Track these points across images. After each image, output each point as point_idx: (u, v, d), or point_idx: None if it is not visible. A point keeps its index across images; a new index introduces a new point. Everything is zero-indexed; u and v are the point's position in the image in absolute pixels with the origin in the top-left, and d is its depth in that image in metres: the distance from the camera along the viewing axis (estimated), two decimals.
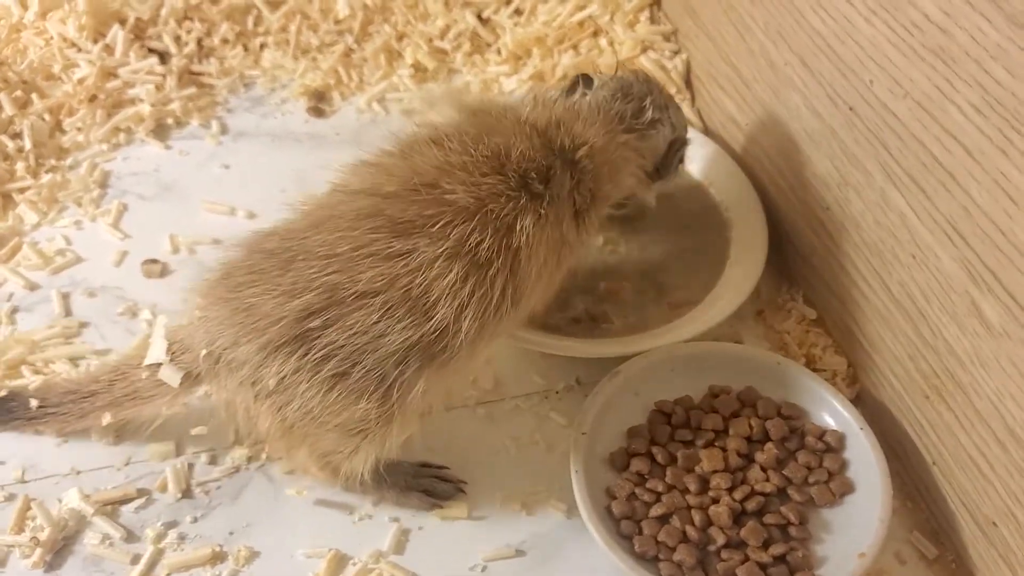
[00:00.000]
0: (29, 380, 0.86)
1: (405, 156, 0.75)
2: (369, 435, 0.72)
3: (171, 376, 0.75)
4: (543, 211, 0.73)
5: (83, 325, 0.91)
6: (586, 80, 0.87)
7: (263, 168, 1.09)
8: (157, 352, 0.76)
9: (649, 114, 0.85)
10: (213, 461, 0.82)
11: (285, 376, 0.70)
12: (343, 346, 0.69)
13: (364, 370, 0.69)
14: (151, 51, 1.17)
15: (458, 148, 0.73)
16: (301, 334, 0.69)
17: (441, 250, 0.69)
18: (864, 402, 0.87)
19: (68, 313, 0.92)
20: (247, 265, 0.73)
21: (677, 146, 0.90)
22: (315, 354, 0.69)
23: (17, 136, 1.06)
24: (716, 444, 0.80)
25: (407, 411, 0.72)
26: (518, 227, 0.71)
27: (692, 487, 0.76)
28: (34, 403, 0.81)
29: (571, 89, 0.87)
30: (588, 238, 0.81)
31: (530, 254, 0.72)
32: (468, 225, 0.70)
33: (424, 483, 0.80)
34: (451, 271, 0.69)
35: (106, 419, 0.79)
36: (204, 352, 0.73)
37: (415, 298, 0.69)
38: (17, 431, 0.82)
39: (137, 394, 0.78)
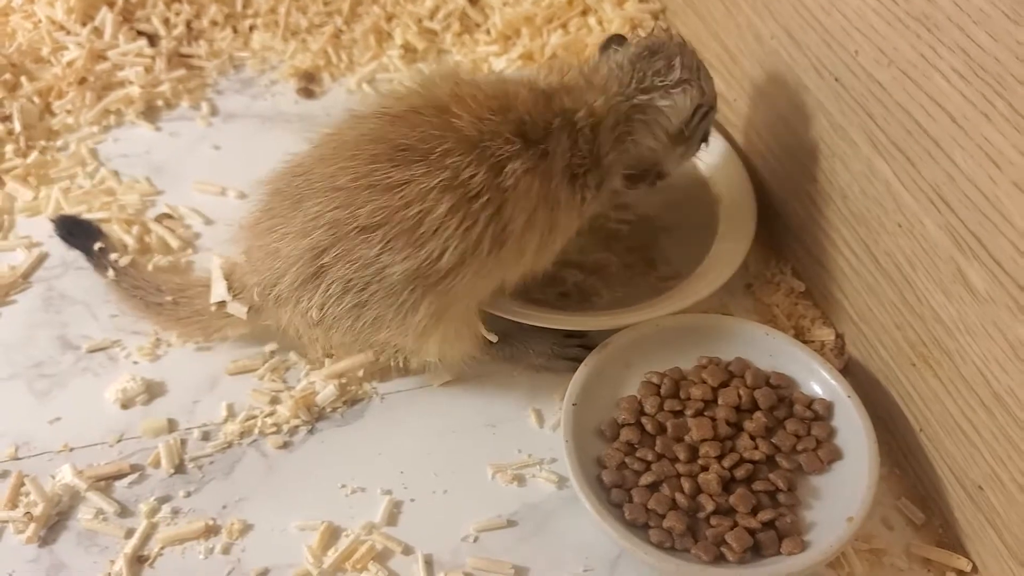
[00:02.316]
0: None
1: (422, 86, 0.78)
2: (408, 349, 0.79)
3: (239, 310, 0.82)
4: (535, 163, 0.74)
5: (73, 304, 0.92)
6: (619, 40, 0.86)
7: (253, 149, 1.09)
8: (220, 291, 0.83)
9: (677, 73, 0.81)
10: (206, 437, 0.82)
11: (320, 309, 0.75)
12: (352, 279, 0.73)
13: (377, 300, 0.74)
14: (140, 33, 1.18)
15: (470, 84, 0.77)
16: (316, 271, 0.74)
17: (436, 181, 0.71)
18: (852, 371, 0.88)
19: (62, 296, 0.93)
20: (267, 209, 0.78)
21: (704, 111, 0.84)
22: (334, 288, 0.74)
23: (7, 119, 1.06)
24: (705, 414, 0.80)
25: (428, 330, 0.77)
26: (508, 168, 0.73)
27: (682, 456, 0.77)
28: (111, 274, 0.88)
29: (604, 48, 0.86)
30: (588, 204, 0.80)
31: (516, 199, 0.74)
32: (466, 157, 0.72)
33: (571, 352, 0.86)
34: (442, 203, 0.71)
35: (173, 334, 0.88)
36: (256, 292, 0.79)
37: (410, 229, 0.72)
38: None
39: (205, 322, 0.85)
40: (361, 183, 0.72)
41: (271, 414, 0.84)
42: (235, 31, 1.21)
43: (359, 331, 0.77)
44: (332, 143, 0.77)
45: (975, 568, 0.75)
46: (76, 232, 0.92)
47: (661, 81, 0.81)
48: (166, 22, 1.19)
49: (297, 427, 0.83)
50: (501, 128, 0.74)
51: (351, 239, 0.72)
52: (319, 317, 0.76)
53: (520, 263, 0.79)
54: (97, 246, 0.90)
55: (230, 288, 0.83)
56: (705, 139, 0.88)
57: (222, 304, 0.83)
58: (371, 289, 0.74)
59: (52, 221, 0.94)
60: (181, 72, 1.15)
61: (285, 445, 0.82)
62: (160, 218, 0.99)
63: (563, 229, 0.80)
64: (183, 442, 0.82)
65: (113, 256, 0.90)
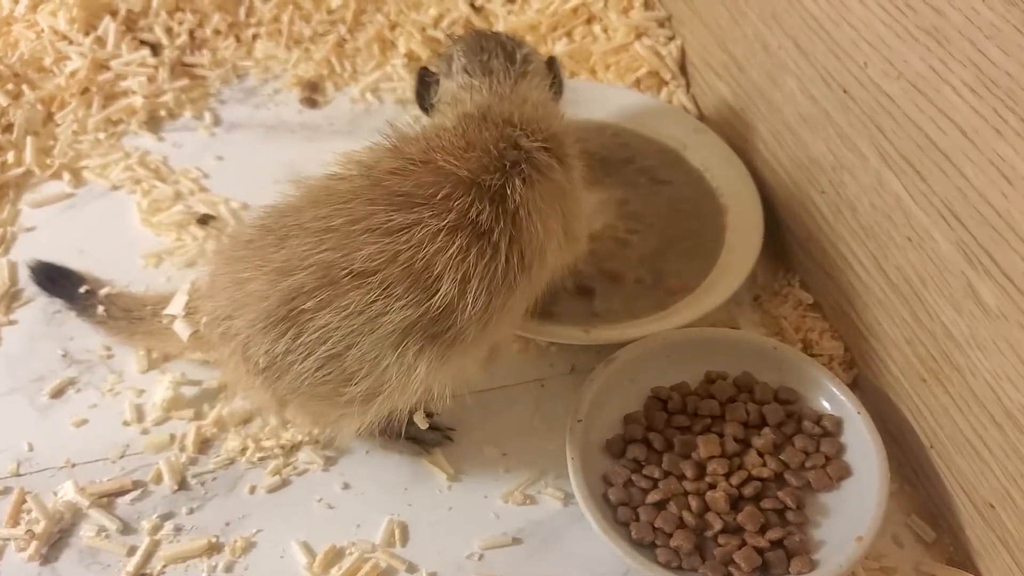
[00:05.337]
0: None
1: (392, 147, 0.75)
2: (356, 410, 0.72)
3: (182, 330, 0.79)
4: (526, 171, 0.72)
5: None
6: (428, 73, 0.85)
7: (257, 159, 1.08)
8: (176, 305, 0.80)
9: (518, 52, 0.83)
10: (208, 452, 0.82)
11: (277, 355, 0.69)
12: (337, 328, 0.68)
13: (359, 352, 0.68)
14: (143, 43, 1.17)
15: (436, 135, 0.74)
16: (290, 315, 0.68)
17: (444, 222, 0.68)
18: (861, 386, 0.87)
19: (64, 310, 0.91)
20: (245, 239, 0.74)
21: (553, 64, 0.87)
22: (308, 336, 0.68)
23: (8, 129, 1.06)
24: (713, 430, 0.79)
25: (403, 392, 0.71)
26: (508, 192, 0.71)
27: (689, 473, 0.76)
28: (100, 309, 0.87)
29: (423, 88, 0.85)
30: (577, 179, 0.80)
31: (530, 212, 0.71)
32: (467, 197, 0.69)
33: (412, 430, 0.80)
34: (454, 243, 0.68)
35: (143, 348, 0.87)
36: (205, 319, 0.75)
37: (416, 273, 0.67)
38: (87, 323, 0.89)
39: (162, 335, 0.82)
40: (358, 227, 0.68)
41: (274, 430, 0.83)
42: (238, 40, 1.21)
43: (316, 383, 0.70)
44: (323, 191, 0.73)
45: None
46: (57, 279, 0.90)
47: (516, 68, 0.82)
48: (169, 31, 1.18)
49: (300, 443, 0.82)
50: (483, 160, 0.71)
51: (341, 284, 0.67)
52: (267, 363, 0.70)
53: (539, 285, 0.77)
54: (83, 289, 0.89)
55: (187, 305, 0.80)
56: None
57: (172, 320, 0.80)
58: (355, 340, 0.68)
59: (30, 268, 0.92)
60: (184, 82, 1.14)
61: (288, 461, 0.81)
62: (203, 219, 0.98)
63: (572, 220, 0.79)
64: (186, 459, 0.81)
65: (103, 291, 0.88)
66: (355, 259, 0.67)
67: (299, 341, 0.69)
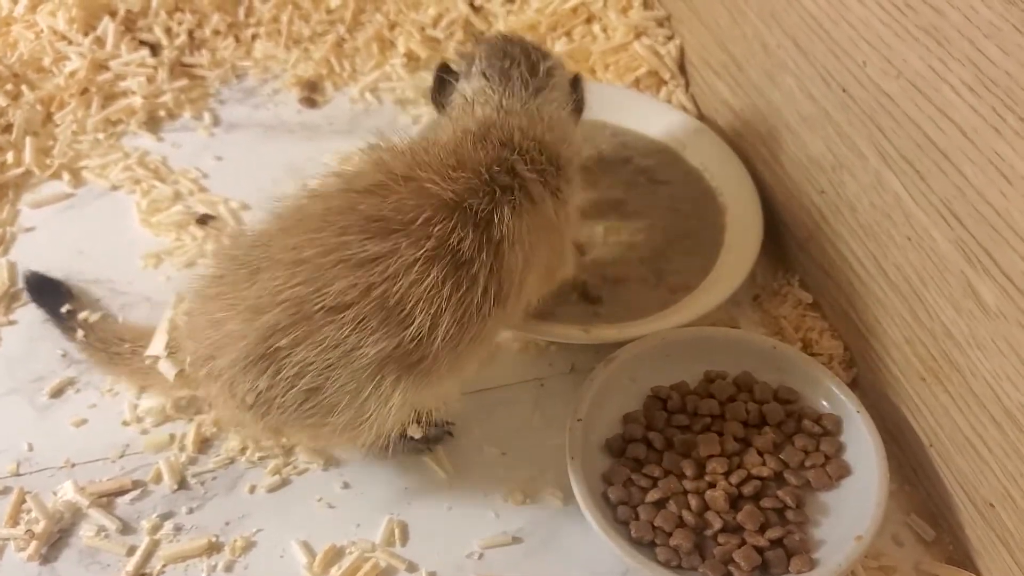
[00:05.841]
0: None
1: (376, 159, 0.73)
2: (346, 435, 0.72)
3: (167, 370, 0.78)
4: (519, 202, 0.70)
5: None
6: (447, 70, 0.84)
7: (256, 159, 1.08)
8: (157, 345, 0.79)
9: (542, 64, 0.81)
10: (208, 452, 0.82)
11: (260, 392, 0.68)
12: (313, 363, 0.66)
13: (337, 385, 0.67)
14: (142, 43, 1.17)
15: (425, 149, 0.72)
16: (268, 353, 0.67)
17: (422, 251, 0.65)
18: (861, 385, 0.87)
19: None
20: (217, 276, 0.72)
21: (578, 80, 0.85)
22: (286, 372, 0.67)
23: (8, 129, 1.06)
24: (712, 429, 0.79)
25: (385, 419, 0.70)
26: (496, 219, 0.68)
27: (688, 472, 0.76)
28: (80, 334, 0.85)
29: (440, 85, 0.83)
30: (570, 213, 0.78)
31: (513, 243, 0.69)
32: (449, 222, 0.67)
33: (410, 445, 0.80)
34: (429, 275, 0.65)
35: (127, 383, 0.85)
36: (189, 359, 0.74)
37: (390, 308, 0.65)
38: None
39: (146, 374, 0.81)
40: (330, 258, 0.66)
41: None
42: (237, 40, 1.21)
43: (302, 416, 0.69)
44: (296, 215, 0.71)
45: None
46: (45, 291, 0.89)
47: (538, 80, 0.80)
48: (168, 31, 1.18)
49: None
50: (472, 183, 0.69)
51: (315, 320, 0.65)
52: (253, 400, 0.69)
53: (518, 311, 0.76)
54: (65, 308, 0.87)
55: (167, 345, 0.79)
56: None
57: (156, 360, 0.79)
58: (332, 373, 0.66)
59: (24, 278, 0.91)
60: (183, 82, 1.14)
61: (288, 461, 0.81)
62: (202, 219, 0.98)
63: (559, 251, 0.78)
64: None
65: (82, 315, 0.87)
66: (328, 294, 0.65)
67: (279, 377, 0.67)
